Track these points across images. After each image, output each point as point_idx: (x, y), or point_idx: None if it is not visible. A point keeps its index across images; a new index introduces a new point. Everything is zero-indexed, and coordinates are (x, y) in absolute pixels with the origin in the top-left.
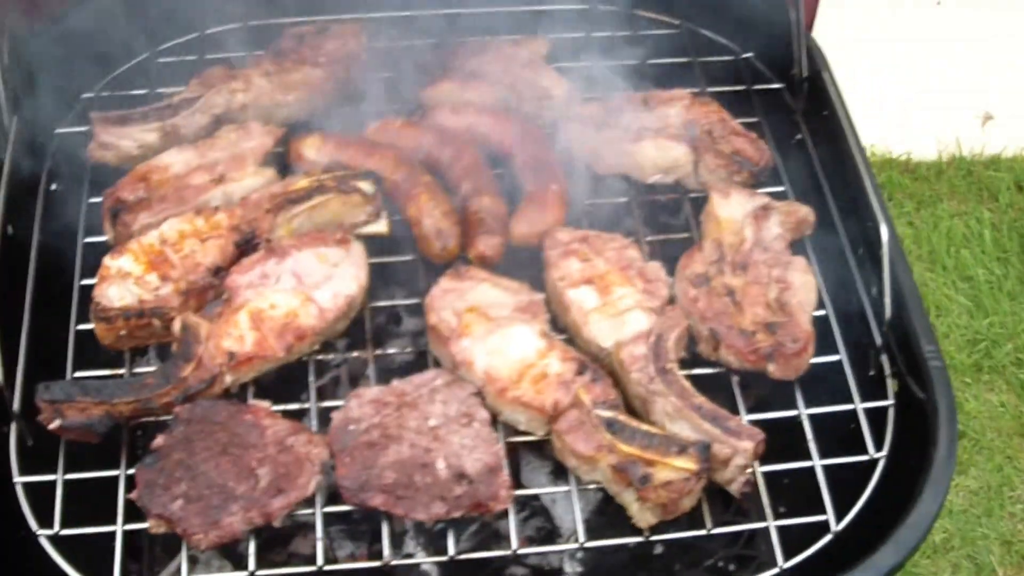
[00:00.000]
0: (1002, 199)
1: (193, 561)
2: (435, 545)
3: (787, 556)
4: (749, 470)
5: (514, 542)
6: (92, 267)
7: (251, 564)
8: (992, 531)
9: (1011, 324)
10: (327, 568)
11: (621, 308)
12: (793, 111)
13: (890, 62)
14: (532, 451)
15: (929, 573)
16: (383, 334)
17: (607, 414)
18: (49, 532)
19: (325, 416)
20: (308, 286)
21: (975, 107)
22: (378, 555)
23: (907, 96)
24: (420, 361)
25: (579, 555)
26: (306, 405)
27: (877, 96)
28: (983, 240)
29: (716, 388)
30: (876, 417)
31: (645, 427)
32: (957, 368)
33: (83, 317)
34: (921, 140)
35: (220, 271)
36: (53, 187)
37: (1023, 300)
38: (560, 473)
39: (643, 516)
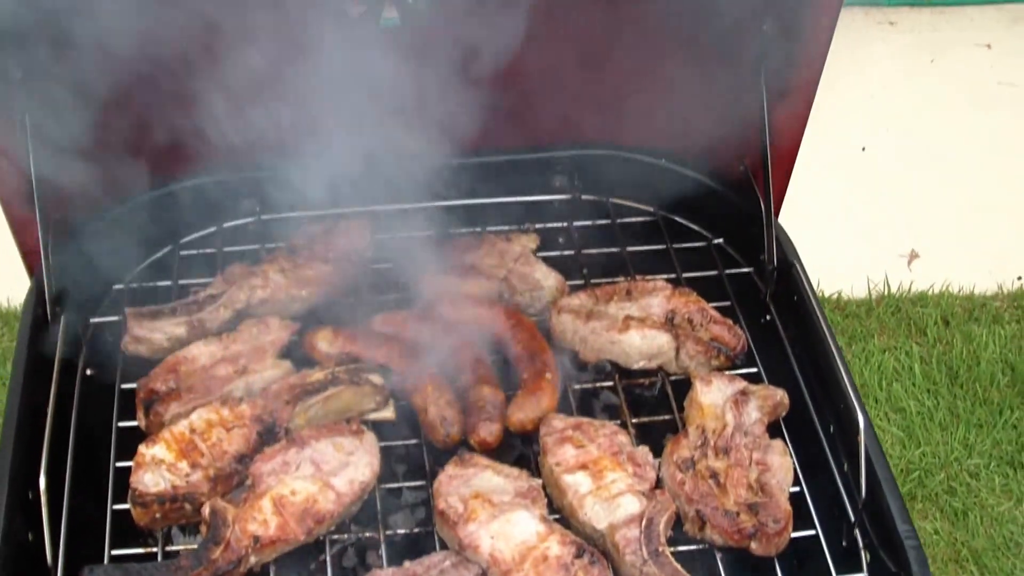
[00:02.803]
0: (930, 334)
1: None
2: None
3: None
4: None
5: None
6: (125, 449)
7: None
8: None
9: (943, 453)
10: None
11: (614, 492)
12: (762, 293)
13: (819, 206)
14: None
15: None
16: (391, 513)
17: None
18: None
19: None
20: (326, 473)
21: (901, 247)
22: None
23: (837, 238)
24: (427, 538)
25: None
26: None
27: (808, 238)
28: (913, 373)
29: (700, 562)
30: None
31: None
32: None
33: (118, 497)
34: (851, 279)
35: (244, 458)
36: (88, 372)
37: (953, 430)
38: None
39: None
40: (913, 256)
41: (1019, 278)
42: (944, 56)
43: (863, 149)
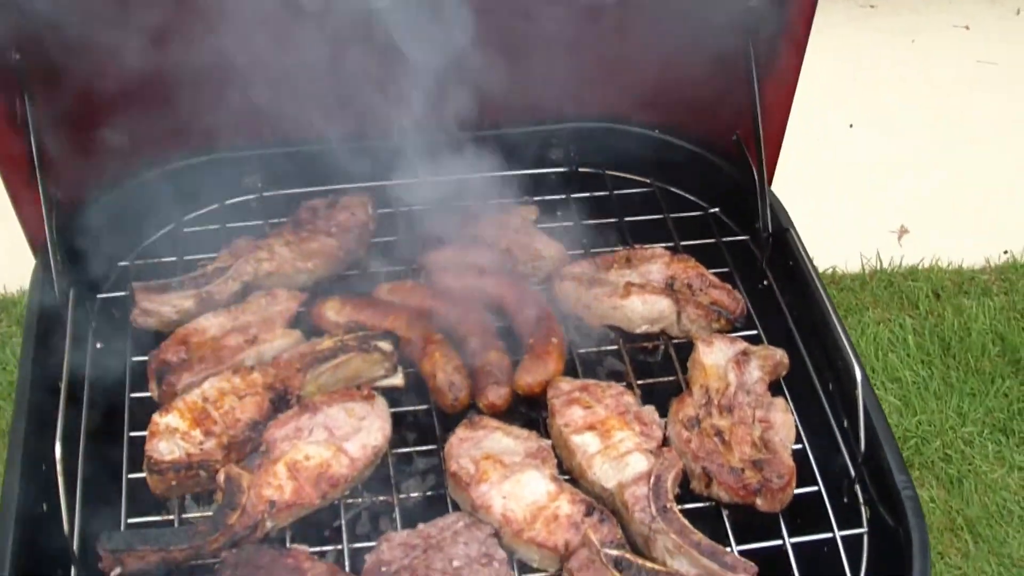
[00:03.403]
0: (921, 307)
1: None
2: None
3: None
4: None
5: None
6: (138, 420)
7: None
8: None
9: (938, 422)
10: None
11: (622, 451)
12: (759, 259)
13: (811, 183)
14: None
15: None
16: (403, 477)
17: (615, 553)
18: None
19: (356, 555)
20: (339, 438)
21: (892, 223)
22: None
23: (830, 215)
24: (439, 501)
25: None
26: (339, 547)
27: (802, 214)
28: (907, 345)
29: (706, 520)
30: (853, 543)
31: (650, 564)
32: None
33: (133, 467)
34: (844, 255)
35: (258, 425)
36: (98, 346)
37: (948, 399)
38: None
39: None
40: (903, 231)
41: (1005, 251)
42: (924, 37)
43: (851, 126)
